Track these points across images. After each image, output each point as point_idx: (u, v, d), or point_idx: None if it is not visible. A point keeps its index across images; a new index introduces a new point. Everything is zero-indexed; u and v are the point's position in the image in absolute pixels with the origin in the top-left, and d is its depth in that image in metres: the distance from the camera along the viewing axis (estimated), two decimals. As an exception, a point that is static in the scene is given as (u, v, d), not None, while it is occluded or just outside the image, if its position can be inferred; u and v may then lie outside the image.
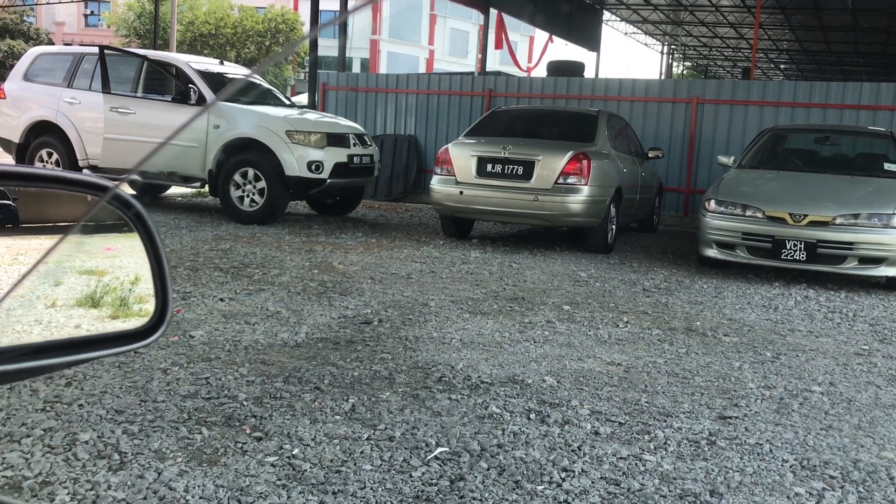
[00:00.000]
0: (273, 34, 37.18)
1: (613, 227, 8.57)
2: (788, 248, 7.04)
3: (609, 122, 9.04)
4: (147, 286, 0.79)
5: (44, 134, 10.04)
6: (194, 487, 2.65)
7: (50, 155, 10.00)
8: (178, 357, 4.02)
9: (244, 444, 3.02)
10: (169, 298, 0.77)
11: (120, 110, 9.31)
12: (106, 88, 9.35)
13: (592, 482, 2.87)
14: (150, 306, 0.75)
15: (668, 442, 3.29)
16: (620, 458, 3.10)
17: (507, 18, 19.47)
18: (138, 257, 0.81)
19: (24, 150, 10.18)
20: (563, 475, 2.91)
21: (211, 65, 10.13)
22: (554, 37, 21.59)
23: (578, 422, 3.47)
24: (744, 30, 28.55)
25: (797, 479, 3.01)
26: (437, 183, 8.52)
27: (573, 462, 3.03)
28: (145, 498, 2.57)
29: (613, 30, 30.20)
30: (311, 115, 10.06)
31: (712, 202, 7.53)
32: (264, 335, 4.55)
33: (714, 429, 3.48)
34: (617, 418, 3.54)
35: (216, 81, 9.44)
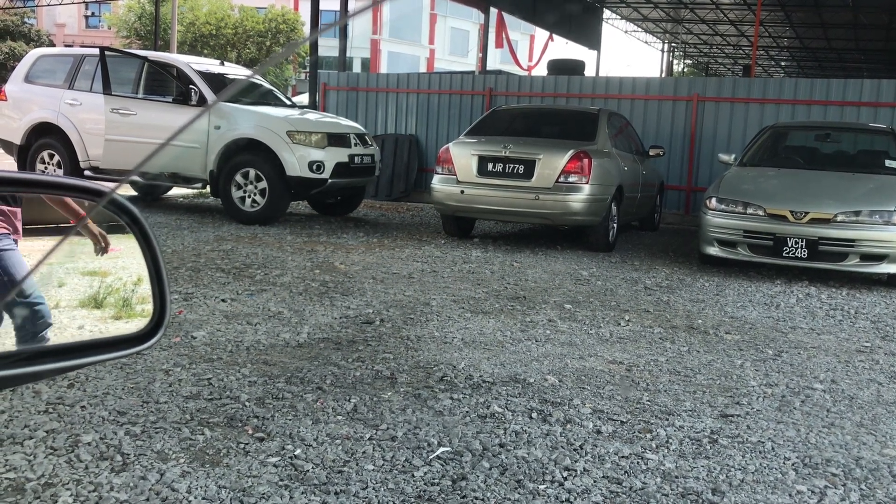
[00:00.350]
0: (273, 34, 37.19)
1: (615, 225, 8.57)
2: (790, 245, 7.03)
3: (610, 121, 9.04)
4: (148, 287, 0.79)
5: (45, 136, 10.05)
6: (197, 488, 2.65)
7: (51, 157, 10.01)
8: (181, 358, 4.03)
9: (246, 444, 3.03)
10: (167, 301, 0.77)
11: (121, 111, 9.32)
12: (107, 90, 9.35)
13: (594, 481, 2.87)
14: (149, 308, 0.76)
15: (670, 440, 3.30)
16: (622, 456, 3.10)
17: (507, 17, 19.47)
18: (139, 258, 0.81)
19: (25, 151, 10.19)
20: (565, 474, 2.91)
21: (212, 66, 10.14)
22: (554, 35, 21.58)
23: (580, 421, 3.47)
24: (744, 27, 28.52)
25: (799, 476, 3.01)
26: (438, 182, 8.52)
27: (575, 461, 3.03)
28: (148, 499, 2.57)
29: (614, 28, 30.18)
30: (312, 116, 10.06)
31: (713, 200, 7.53)
32: (266, 335, 4.56)
33: (716, 427, 3.48)
34: (619, 417, 3.55)
35: (217, 82, 9.44)
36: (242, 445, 3.01)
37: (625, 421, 3.50)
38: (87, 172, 9.69)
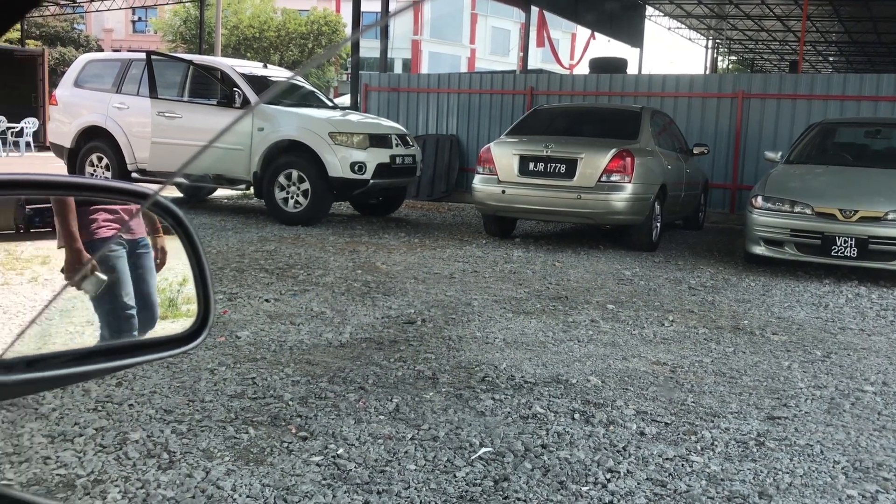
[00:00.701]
0: (315, 36, 37.51)
1: (658, 224, 8.47)
2: (838, 244, 6.88)
3: (653, 119, 8.95)
4: (193, 288, 0.80)
5: (94, 139, 10.27)
6: (241, 486, 2.68)
7: (100, 160, 10.22)
8: (225, 357, 4.08)
9: (290, 443, 3.05)
10: (211, 303, 0.79)
11: (167, 114, 9.48)
12: (153, 93, 9.52)
13: (638, 483, 2.84)
14: (194, 309, 0.77)
15: (716, 443, 3.25)
16: (667, 458, 3.06)
17: (548, 16, 19.37)
18: (184, 259, 0.83)
19: (75, 155, 10.42)
20: (609, 476, 2.88)
21: (255, 68, 10.26)
22: (596, 33, 21.42)
23: (623, 422, 3.44)
24: (791, 22, 27.99)
25: (849, 481, 2.95)
26: (479, 182, 8.52)
27: (618, 463, 3.00)
28: (193, 496, 2.61)
29: (657, 25, 29.85)
30: (354, 117, 10.13)
31: (759, 198, 7.40)
32: (309, 335, 4.60)
33: (763, 429, 3.42)
34: (663, 418, 3.50)
35: (260, 85, 9.56)
36: (286, 444, 3.04)
37: (669, 423, 3.46)
38: (134, 175, 9.88)
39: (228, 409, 3.37)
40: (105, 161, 10.17)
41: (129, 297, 1.35)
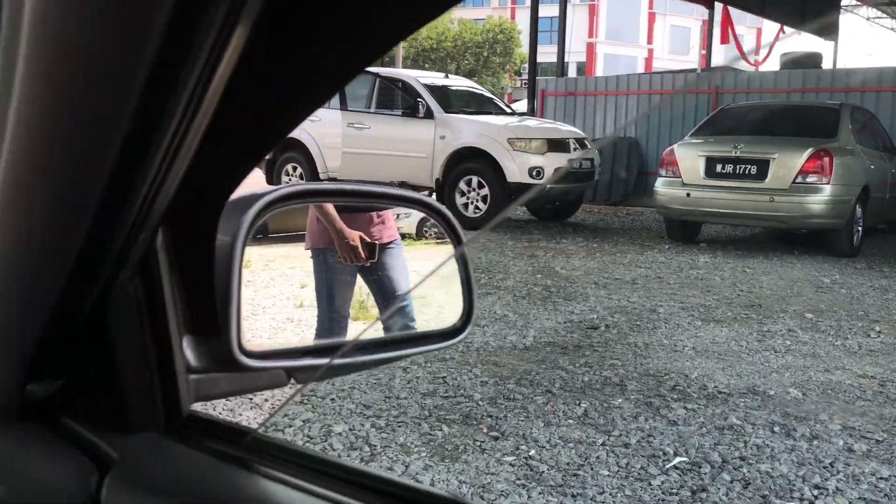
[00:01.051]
0: (491, 45, 38.00)
1: (860, 228, 7.92)
2: None
3: (853, 116, 8.38)
4: (442, 289, 0.87)
5: (289, 150, 10.94)
6: (439, 482, 2.78)
7: (294, 169, 10.87)
8: (416, 357, 4.23)
9: (482, 442, 3.12)
10: (474, 300, 0.85)
11: (356, 126, 9.94)
12: (343, 106, 10.01)
13: (850, 502, 2.67)
14: (457, 308, 0.85)
15: (937, 464, 3.00)
16: (881, 478, 2.86)
17: (732, 11, 18.57)
18: (451, 261, 0.89)
19: (272, 164, 11.15)
20: (816, 492, 2.73)
21: (436, 78, 10.56)
22: (785, 27, 20.27)
23: (829, 437, 3.25)
24: None
25: None
26: (661, 185, 8.31)
27: (825, 479, 2.84)
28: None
29: (854, 15, 27.81)
30: (531, 122, 10.18)
31: (980, 200, 6.74)
32: (494, 337, 4.68)
33: None
34: (873, 435, 3.28)
35: (442, 94, 9.82)
36: (478, 443, 3.11)
37: (881, 440, 3.23)
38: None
39: (422, 407, 3.50)
40: (299, 170, 10.80)
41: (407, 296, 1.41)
